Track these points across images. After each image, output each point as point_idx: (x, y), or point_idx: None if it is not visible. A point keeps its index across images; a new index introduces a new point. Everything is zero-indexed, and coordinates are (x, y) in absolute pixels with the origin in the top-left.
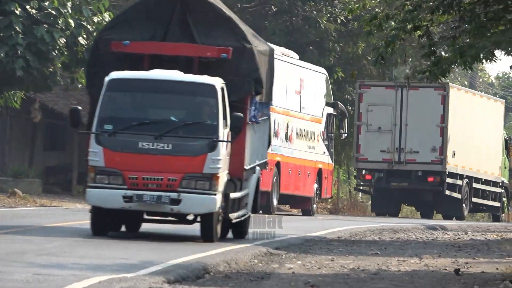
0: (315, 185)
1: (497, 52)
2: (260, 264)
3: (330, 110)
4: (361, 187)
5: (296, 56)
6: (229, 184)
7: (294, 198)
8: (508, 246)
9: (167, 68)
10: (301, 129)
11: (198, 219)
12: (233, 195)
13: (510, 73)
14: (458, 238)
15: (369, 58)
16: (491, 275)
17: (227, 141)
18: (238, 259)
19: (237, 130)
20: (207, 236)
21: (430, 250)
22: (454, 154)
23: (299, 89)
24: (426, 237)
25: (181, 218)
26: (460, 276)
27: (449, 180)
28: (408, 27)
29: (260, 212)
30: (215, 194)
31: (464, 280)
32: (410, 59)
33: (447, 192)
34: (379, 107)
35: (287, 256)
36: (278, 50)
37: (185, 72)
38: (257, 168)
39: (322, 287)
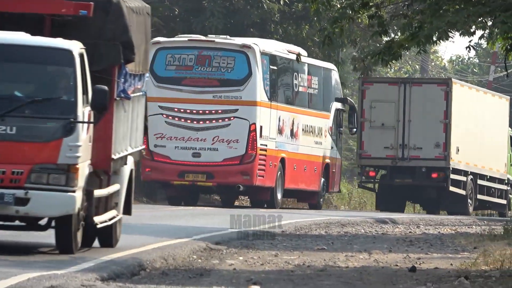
0: (322, 180)
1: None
2: (200, 260)
3: (339, 105)
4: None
5: (305, 53)
6: (92, 179)
7: (301, 192)
8: (462, 241)
9: (11, 29)
10: (307, 125)
11: (53, 223)
12: (98, 192)
13: (464, 55)
14: (410, 232)
15: (316, 39)
16: (445, 271)
17: (88, 122)
18: (176, 254)
19: (101, 108)
20: (64, 246)
21: (380, 245)
22: (458, 150)
23: (306, 86)
24: (376, 231)
25: (31, 223)
26: (413, 273)
27: (453, 176)
28: (357, 3)
29: (265, 206)
30: (73, 191)
31: (417, 277)
32: (358, 39)
33: (451, 188)
34: (382, 104)
35: (228, 252)
36: (284, 48)
37: (33, 34)
38: (130, 158)
39: (265, 284)
